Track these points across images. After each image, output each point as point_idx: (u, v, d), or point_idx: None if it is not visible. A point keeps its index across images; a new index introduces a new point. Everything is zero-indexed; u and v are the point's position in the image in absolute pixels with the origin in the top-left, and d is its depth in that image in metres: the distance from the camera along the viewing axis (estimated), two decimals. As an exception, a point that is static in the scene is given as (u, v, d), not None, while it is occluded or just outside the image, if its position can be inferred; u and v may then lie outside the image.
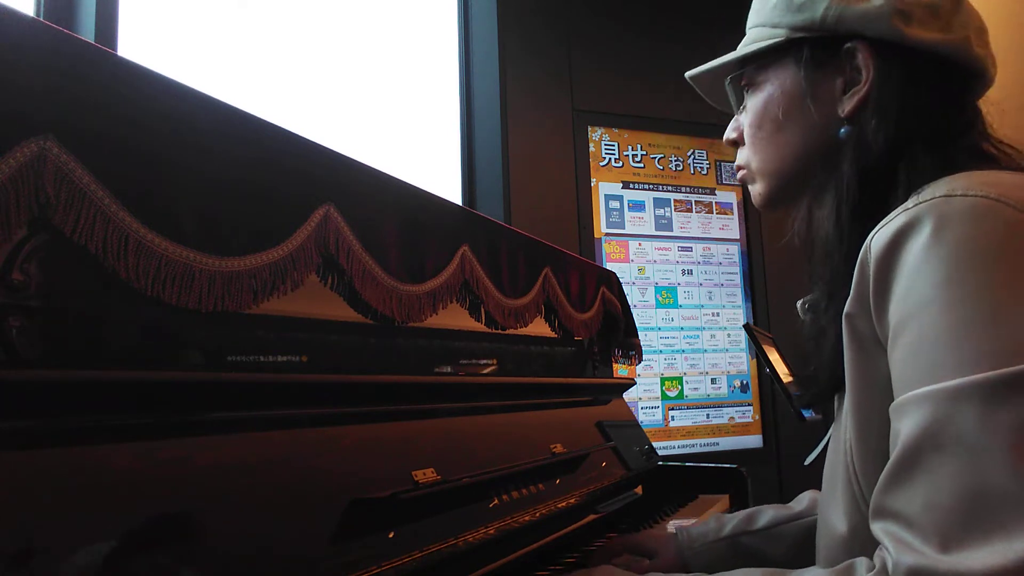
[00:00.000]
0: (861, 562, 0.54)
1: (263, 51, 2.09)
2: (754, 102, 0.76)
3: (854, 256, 0.58)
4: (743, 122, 0.78)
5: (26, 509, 0.44)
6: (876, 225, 0.57)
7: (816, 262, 0.69)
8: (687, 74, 0.85)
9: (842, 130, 0.68)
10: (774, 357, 2.02)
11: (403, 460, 0.77)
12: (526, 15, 2.68)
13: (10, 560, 0.41)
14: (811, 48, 0.71)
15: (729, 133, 0.81)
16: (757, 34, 0.76)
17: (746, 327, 2.09)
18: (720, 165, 3.01)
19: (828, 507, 0.65)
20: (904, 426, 0.51)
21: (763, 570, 0.61)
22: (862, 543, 0.57)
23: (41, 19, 0.59)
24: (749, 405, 2.86)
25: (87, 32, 1.57)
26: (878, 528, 0.52)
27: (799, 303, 0.76)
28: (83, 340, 0.56)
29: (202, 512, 0.54)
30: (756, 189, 0.78)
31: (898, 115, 0.65)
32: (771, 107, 0.74)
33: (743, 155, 0.79)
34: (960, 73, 0.68)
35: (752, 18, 0.79)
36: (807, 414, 1.97)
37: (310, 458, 0.67)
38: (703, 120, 2.92)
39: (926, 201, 0.54)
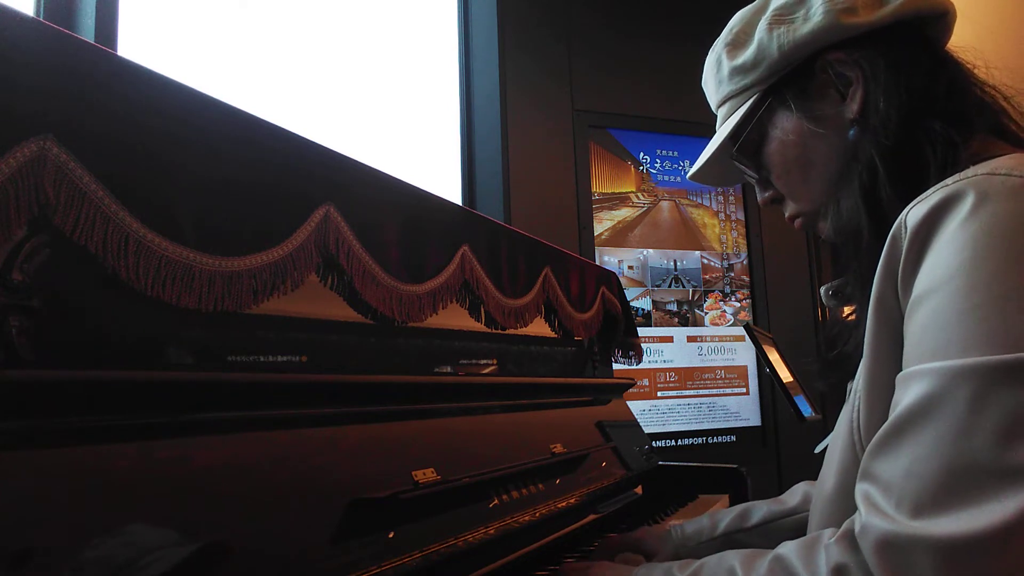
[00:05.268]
0: (827, 531, 0.55)
1: (263, 51, 2.09)
2: (768, 159, 0.77)
3: (884, 236, 0.58)
4: (771, 179, 0.79)
5: (26, 509, 0.44)
6: (908, 204, 0.57)
7: (846, 248, 0.68)
8: (689, 176, 0.89)
9: (851, 131, 0.69)
10: (774, 357, 2.02)
11: (403, 460, 0.77)
12: (526, 15, 2.68)
13: (10, 560, 0.41)
14: (788, 85, 0.73)
15: (763, 195, 0.82)
16: (730, 107, 0.79)
17: (746, 327, 2.09)
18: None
19: (826, 474, 0.65)
20: (904, 396, 0.51)
21: (743, 551, 0.62)
22: (851, 503, 0.57)
23: (41, 19, 0.59)
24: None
25: (87, 32, 1.57)
26: (859, 490, 0.53)
27: (823, 289, 0.76)
28: (83, 340, 0.56)
29: (202, 512, 0.54)
30: (824, 227, 0.77)
31: (900, 86, 0.65)
32: (788, 153, 0.75)
33: (791, 207, 0.79)
34: (925, 22, 0.70)
35: (713, 98, 0.82)
36: (807, 412, 1.97)
37: (310, 458, 0.67)
38: (704, 120, 2.91)
39: (968, 177, 0.54)
